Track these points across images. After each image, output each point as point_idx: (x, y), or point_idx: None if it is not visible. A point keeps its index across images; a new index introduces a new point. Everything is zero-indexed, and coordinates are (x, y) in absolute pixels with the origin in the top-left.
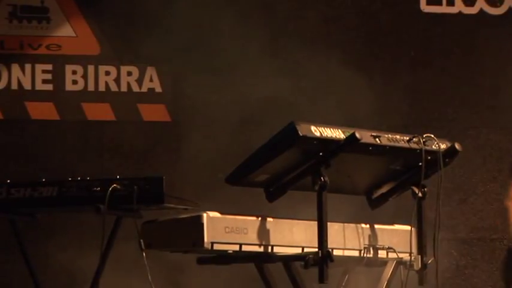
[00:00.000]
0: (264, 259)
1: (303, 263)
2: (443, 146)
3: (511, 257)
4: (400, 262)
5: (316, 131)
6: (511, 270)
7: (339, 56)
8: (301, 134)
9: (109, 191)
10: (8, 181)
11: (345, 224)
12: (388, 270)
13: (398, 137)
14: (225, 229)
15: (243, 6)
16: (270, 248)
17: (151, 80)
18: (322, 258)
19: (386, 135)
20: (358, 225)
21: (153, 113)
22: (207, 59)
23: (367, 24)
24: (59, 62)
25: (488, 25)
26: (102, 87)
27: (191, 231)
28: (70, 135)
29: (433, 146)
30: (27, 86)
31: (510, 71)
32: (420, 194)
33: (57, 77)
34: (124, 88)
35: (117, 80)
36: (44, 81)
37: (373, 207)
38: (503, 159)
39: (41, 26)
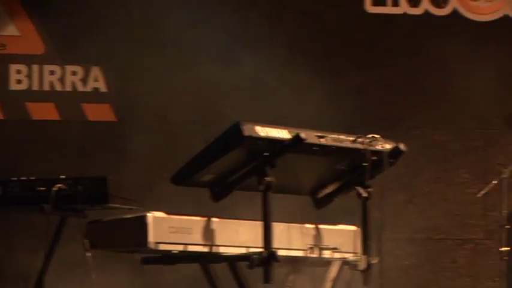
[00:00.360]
0: (208, 259)
1: (248, 263)
2: (388, 147)
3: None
4: (345, 262)
5: (261, 131)
6: None
7: (284, 56)
8: (245, 134)
9: (53, 191)
10: None
11: (290, 224)
12: (333, 270)
13: (343, 137)
14: (170, 229)
15: (186, 7)
16: (215, 248)
17: (96, 80)
18: (267, 258)
19: (331, 136)
20: (303, 225)
21: (98, 112)
22: (151, 59)
23: (313, 25)
24: (3, 61)
25: (433, 26)
26: (46, 87)
27: (136, 231)
28: (14, 135)
29: (378, 147)
30: None
31: (454, 72)
32: (365, 194)
33: (1, 76)
34: (69, 87)
35: (62, 80)
36: None
37: (319, 207)
38: (448, 160)
39: None
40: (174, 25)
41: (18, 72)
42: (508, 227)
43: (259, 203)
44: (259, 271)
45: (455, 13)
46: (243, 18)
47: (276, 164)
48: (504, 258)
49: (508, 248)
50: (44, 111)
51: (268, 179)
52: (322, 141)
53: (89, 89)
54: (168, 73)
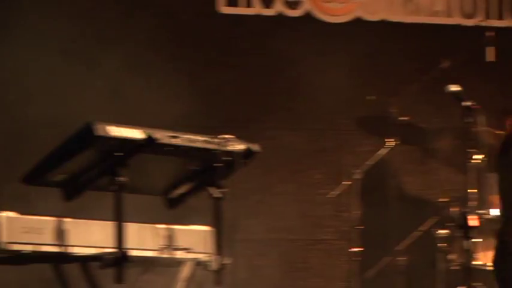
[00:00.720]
0: (60, 259)
1: (99, 263)
2: (240, 147)
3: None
4: (197, 262)
5: (113, 131)
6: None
7: (140, 56)
8: (97, 134)
9: None
10: None
11: (142, 225)
12: (185, 271)
13: (196, 137)
14: (22, 229)
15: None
16: (67, 248)
17: None
18: (119, 259)
19: (184, 136)
20: (156, 225)
21: None
22: (1, 57)
23: (167, 26)
24: None
25: (287, 27)
26: None
27: None
28: None
29: (231, 147)
30: None
31: (306, 74)
32: (218, 195)
33: None
34: None
35: None
36: None
37: (171, 207)
38: (300, 161)
39: None
40: (25, 22)
41: None
42: (360, 227)
43: (112, 202)
44: (111, 271)
45: (308, 14)
46: (98, 17)
47: (129, 164)
48: (355, 258)
49: (360, 249)
50: None
51: (120, 179)
52: (175, 141)
53: None
54: (21, 72)
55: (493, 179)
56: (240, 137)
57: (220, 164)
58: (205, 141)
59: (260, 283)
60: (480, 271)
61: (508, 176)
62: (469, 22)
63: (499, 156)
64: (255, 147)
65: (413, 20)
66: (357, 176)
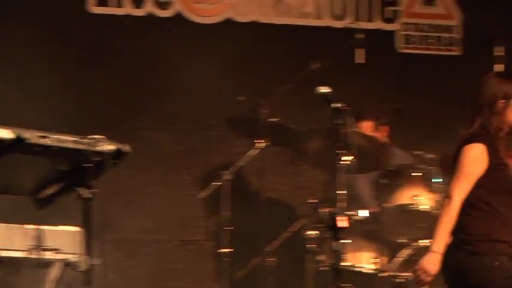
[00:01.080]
0: None
1: None
2: (110, 148)
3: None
4: (66, 263)
5: None
6: None
7: (10, 56)
8: None
9: None
10: None
11: (10, 225)
12: (54, 271)
13: (66, 137)
14: None
15: None
16: None
17: None
18: None
19: (54, 136)
20: (24, 225)
21: None
22: None
23: (36, 25)
24: None
25: (157, 27)
26: None
27: None
28: None
29: (100, 147)
30: None
31: (177, 74)
32: (87, 195)
33: None
34: None
35: None
36: None
37: (40, 208)
38: (170, 161)
39: None
40: None
41: None
42: (229, 228)
43: None
44: None
45: (178, 15)
46: None
47: None
48: (225, 259)
49: (229, 250)
50: None
51: None
52: (44, 141)
53: None
54: None
55: (362, 179)
56: (111, 137)
57: (90, 165)
58: (74, 141)
59: (129, 284)
60: (349, 272)
61: None
62: (339, 24)
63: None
64: (125, 147)
65: (283, 22)
66: (227, 177)
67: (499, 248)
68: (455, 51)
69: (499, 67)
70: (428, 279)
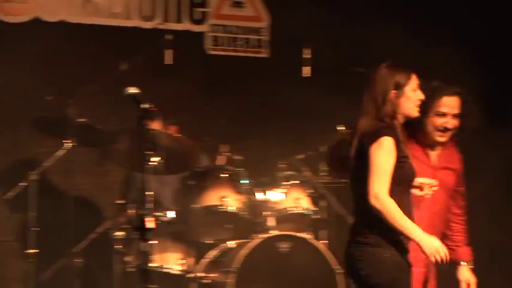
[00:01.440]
0: None
1: None
2: None
3: None
4: None
5: None
6: None
7: None
8: None
9: None
10: None
11: None
12: None
13: None
14: None
15: None
16: None
17: None
18: None
19: None
20: None
21: None
22: None
23: None
24: None
25: None
26: None
27: None
28: None
29: None
30: None
31: None
32: None
33: None
34: None
35: None
36: None
37: None
38: None
39: None
40: None
41: None
42: (35, 229)
43: None
44: None
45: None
46: None
47: None
48: (31, 260)
49: (35, 250)
50: None
51: None
52: None
53: None
54: None
55: (169, 180)
56: None
57: None
58: None
59: None
60: (157, 273)
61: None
62: (148, 25)
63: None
64: None
65: (92, 22)
66: (34, 177)
67: (388, 240)
68: (264, 53)
69: (306, 69)
70: (445, 253)
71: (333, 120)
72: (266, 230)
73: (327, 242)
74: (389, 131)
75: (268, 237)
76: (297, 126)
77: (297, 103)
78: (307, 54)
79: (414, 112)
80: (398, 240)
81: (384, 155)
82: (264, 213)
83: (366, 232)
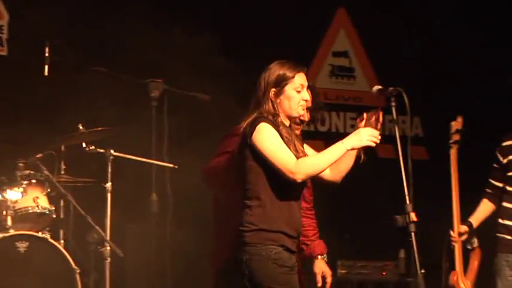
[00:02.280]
0: None
1: None
2: None
3: None
4: None
5: None
6: None
7: None
8: None
9: None
10: None
11: None
12: None
13: None
14: None
15: None
16: None
17: None
18: None
19: None
20: None
21: None
22: None
23: None
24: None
25: None
26: None
27: None
28: None
29: None
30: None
31: None
32: None
33: None
34: None
35: None
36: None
37: None
38: None
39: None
40: None
41: None
42: None
43: None
44: None
45: None
46: None
47: None
48: None
49: None
50: None
51: None
52: None
53: None
54: None
55: None
56: None
57: None
58: None
59: None
60: None
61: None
62: None
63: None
64: None
65: None
66: None
67: (268, 238)
68: (2, 51)
69: (47, 68)
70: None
71: (74, 120)
72: (5, 229)
73: (64, 241)
74: (264, 119)
75: (5, 237)
76: (37, 125)
77: (38, 102)
78: (47, 52)
79: (296, 112)
80: (273, 237)
81: (266, 136)
82: (4, 212)
83: (242, 230)
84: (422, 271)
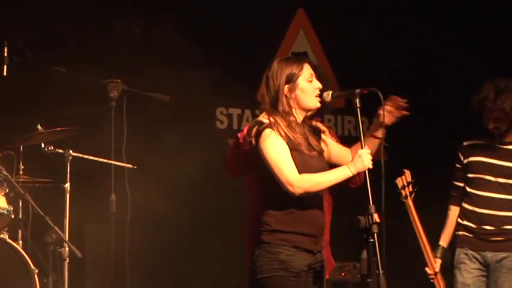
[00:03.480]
0: None
1: None
2: None
3: None
4: None
5: None
6: None
7: None
8: None
9: None
10: None
11: None
12: None
13: None
14: None
15: None
16: None
17: None
18: None
19: None
20: None
21: None
22: None
23: None
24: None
25: None
26: None
27: None
28: None
29: None
30: None
31: None
32: None
33: None
34: None
35: None
36: None
37: None
38: None
39: None
40: None
41: None
42: None
43: None
44: None
45: None
46: None
47: None
48: None
49: None
50: None
51: None
52: None
53: None
54: None
55: None
56: None
57: None
58: None
59: None
60: None
61: None
62: None
63: None
64: None
65: None
66: None
67: (282, 238)
68: None
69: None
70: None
71: (34, 120)
72: None
73: (22, 242)
74: (266, 124)
75: None
76: None
77: None
78: (6, 52)
79: (314, 103)
80: (285, 237)
81: (271, 144)
82: None
83: (257, 229)
84: (382, 272)
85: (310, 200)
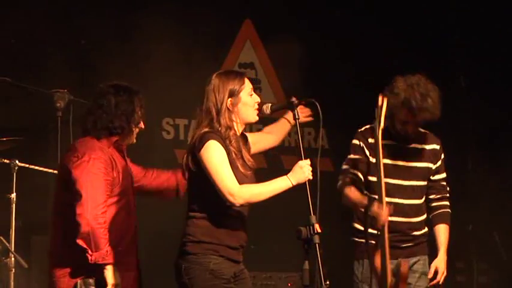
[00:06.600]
0: None
1: None
2: None
3: None
4: None
5: None
6: None
7: None
8: None
9: None
10: None
11: None
12: None
13: None
14: None
15: None
16: None
17: None
18: None
19: None
20: None
21: None
22: None
23: None
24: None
25: None
26: None
27: None
28: None
29: None
30: None
31: None
32: None
33: None
34: None
35: None
36: None
37: None
38: None
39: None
40: None
41: None
42: None
43: None
44: None
45: None
46: None
47: None
48: None
49: None
50: None
51: None
52: None
53: None
54: None
55: None
56: None
57: None
58: None
59: None
60: None
61: None
62: None
63: None
64: None
65: None
66: None
67: (209, 248)
68: None
69: None
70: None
71: None
72: None
73: None
74: (214, 136)
75: None
76: None
77: None
78: None
79: (254, 116)
80: (211, 248)
81: (214, 154)
82: None
83: (185, 241)
84: (327, 283)
85: (237, 212)
